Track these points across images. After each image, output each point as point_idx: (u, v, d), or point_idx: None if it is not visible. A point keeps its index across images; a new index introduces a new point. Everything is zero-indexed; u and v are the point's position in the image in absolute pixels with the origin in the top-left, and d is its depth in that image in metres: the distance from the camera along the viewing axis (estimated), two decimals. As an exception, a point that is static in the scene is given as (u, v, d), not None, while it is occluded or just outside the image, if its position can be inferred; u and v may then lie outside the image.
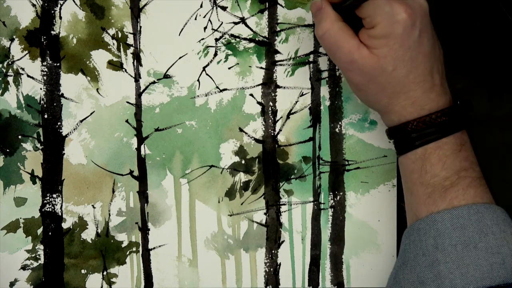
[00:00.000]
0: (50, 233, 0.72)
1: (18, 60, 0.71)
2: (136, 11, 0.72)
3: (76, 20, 0.72)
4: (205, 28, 0.73)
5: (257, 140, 0.73)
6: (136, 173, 0.73)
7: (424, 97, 0.58)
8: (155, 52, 0.72)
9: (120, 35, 0.72)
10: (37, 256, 0.72)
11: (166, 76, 0.73)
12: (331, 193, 0.74)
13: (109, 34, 0.72)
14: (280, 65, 0.73)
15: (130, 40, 0.72)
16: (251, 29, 0.73)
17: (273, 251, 0.74)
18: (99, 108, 0.72)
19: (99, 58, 0.72)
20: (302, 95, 0.74)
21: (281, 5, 0.73)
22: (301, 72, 0.74)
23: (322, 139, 0.74)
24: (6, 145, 0.71)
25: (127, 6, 0.72)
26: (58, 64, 0.72)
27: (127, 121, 0.72)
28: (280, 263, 0.74)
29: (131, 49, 0.72)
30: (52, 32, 0.71)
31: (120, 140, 0.72)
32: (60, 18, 0.71)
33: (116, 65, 0.72)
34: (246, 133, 0.73)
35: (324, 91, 0.74)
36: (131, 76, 0.72)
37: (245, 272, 0.74)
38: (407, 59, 0.57)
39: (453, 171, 0.57)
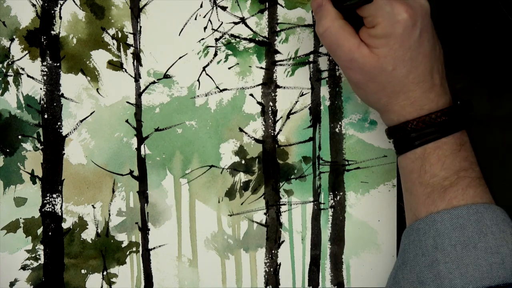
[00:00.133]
0: (50, 233, 0.72)
1: (18, 60, 0.71)
2: (136, 11, 0.72)
3: (76, 20, 0.72)
4: (205, 28, 0.73)
5: (257, 140, 0.73)
6: (136, 173, 0.73)
7: (424, 97, 0.58)
8: (155, 52, 0.72)
9: (120, 35, 0.72)
10: (37, 256, 0.72)
11: (166, 76, 0.73)
12: (331, 193, 0.74)
13: (109, 34, 0.72)
14: (280, 65, 0.73)
15: (130, 40, 0.72)
16: (251, 29, 0.73)
17: (273, 251, 0.74)
18: (99, 108, 0.72)
19: (99, 58, 0.72)
20: (302, 95, 0.74)
21: (281, 5, 0.73)
22: (301, 72, 0.74)
23: (322, 139, 0.74)
24: (6, 145, 0.71)
25: (127, 6, 0.72)
26: (58, 64, 0.72)
27: (127, 121, 0.72)
28: (280, 263, 0.74)
29: (131, 49, 0.72)
30: (52, 32, 0.71)
31: (120, 140, 0.72)
32: (60, 18, 0.71)
33: (116, 65, 0.72)
34: (246, 133, 0.73)
35: (324, 91, 0.74)
36: (131, 76, 0.72)
37: (245, 272, 0.74)
38: (407, 59, 0.57)
39: (453, 171, 0.57)
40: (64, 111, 0.72)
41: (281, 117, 0.74)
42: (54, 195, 0.72)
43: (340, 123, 0.74)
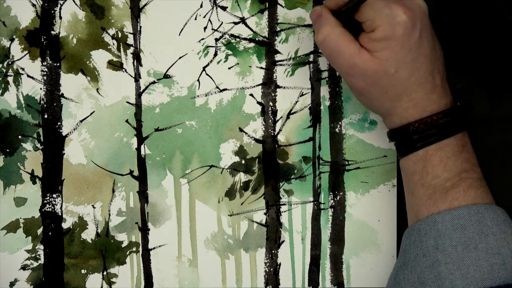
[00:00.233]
0: (50, 233, 0.72)
1: (18, 60, 0.71)
2: (136, 11, 0.72)
3: (76, 20, 0.72)
4: (205, 28, 0.73)
5: (257, 140, 0.73)
6: (136, 173, 0.73)
7: (426, 99, 0.58)
8: (155, 52, 0.72)
9: (120, 35, 0.72)
10: (37, 256, 0.72)
11: (166, 76, 0.73)
12: (331, 193, 0.74)
13: (109, 34, 0.72)
14: (280, 65, 0.73)
15: (130, 40, 0.72)
16: (251, 29, 0.73)
17: (273, 251, 0.74)
18: (99, 108, 0.72)
19: (99, 58, 0.72)
20: (302, 95, 0.74)
21: (281, 5, 0.73)
22: (301, 72, 0.74)
23: (322, 139, 0.74)
24: (6, 145, 0.71)
25: (127, 6, 0.72)
26: (58, 64, 0.72)
27: (127, 121, 0.72)
28: (280, 263, 0.74)
29: (131, 49, 0.72)
30: (52, 32, 0.71)
31: (120, 140, 0.72)
32: (60, 18, 0.71)
33: (116, 65, 0.72)
34: (246, 133, 0.73)
35: (324, 91, 0.74)
36: (131, 76, 0.72)
37: (245, 272, 0.74)
38: (408, 61, 0.57)
39: (454, 172, 0.57)
40: (64, 111, 0.72)
41: (281, 117, 0.74)
42: (54, 195, 0.72)
43: (340, 123, 0.74)
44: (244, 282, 0.74)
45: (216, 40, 0.73)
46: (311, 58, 0.74)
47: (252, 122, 0.73)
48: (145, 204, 0.73)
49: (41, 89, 0.72)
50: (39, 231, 0.72)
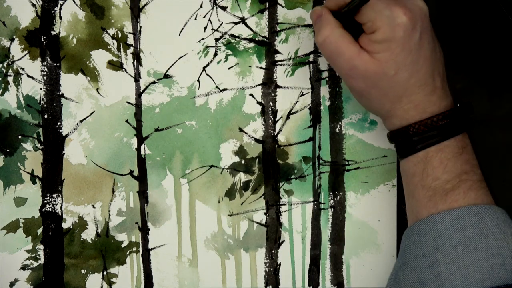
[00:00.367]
0: (50, 233, 0.72)
1: (18, 60, 0.71)
2: (136, 11, 0.72)
3: (76, 20, 0.72)
4: (205, 28, 0.73)
5: (257, 140, 0.73)
6: (136, 173, 0.73)
7: (426, 100, 0.58)
8: (155, 52, 0.72)
9: (120, 35, 0.72)
10: (37, 256, 0.72)
11: (166, 76, 0.73)
12: (331, 193, 0.74)
13: (109, 34, 0.72)
14: (280, 65, 0.73)
15: (130, 40, 0.72)
16: (251, 29, 0.73)
17: (273, 251, 0.74)
18: (99, 108, 0.72)
19: (99, 58, 0.72)
20: (302, 95, 0.74)
21: (281, 5, 0.73)
22: (301, 72, 0.74)
23: (322, 139, 0.74)
24: (6, 145, 0.71)
25: (127, 6, 0.72)
26: (58, 64, 0.72)
27: (127, 121, 0.72)
28: (280, 263, 0.74)
29: (131, 49, 0.72)
30: (52, 32, 0.71)
31: (120, 140, 0.72)
32: (60, 18, 0.71)
33: (116, 65, 0.72)
34: (246, 133, 0.73)
35: (324, 91, 0.74)
36: (131, 76, 0.72)
37: (245, 272, 0.74)
38: (408, 63, 0.57)
39: (455, 174, 0.57)
40: (64, 111, 0.72)
41: (281, 117, 0.74)
42: (54, 195, 0.72)
43: (340, 123, 0.74)
44: (244, 282, 0.74)
45: (216, 40, 0.73)
46: (311, 58, 0.74)
47: (252, 122, 0.73)
48: (145, 204, 0.73)
49: (41, 89, 0.72)
50: (39, 231, 0.72)
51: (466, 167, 0.57)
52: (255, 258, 0.74)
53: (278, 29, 0.73)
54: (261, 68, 0.73)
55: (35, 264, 0.72)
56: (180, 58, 0.73)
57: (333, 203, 0.74)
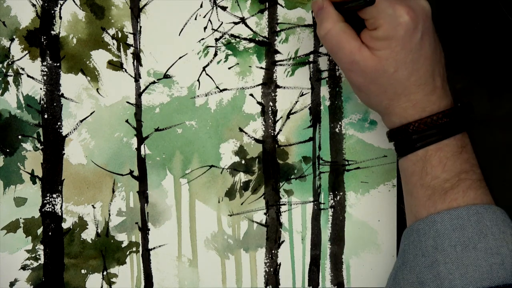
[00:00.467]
0: (50, 233, 0.72)
1: (18, 60, 0.71)
2: (136, 11, 0.72)
3: (76, 20, 0.72)
4: (205, 28, 0.73)
5: (257, 140, 0.73)
6: (136, 173, 0.73)
7: (425, 100, 0.58)
8: (155, 52, 0.72)
9: (120, 35, 0.72)
10: (37, 256, 0.72)
11: (166, 76, 0.73)
12: (331, 193, 0.74)
13: (109, 34, 0.72)
14: (280, 65, 0.73)
15: (130, 40, 0.72)
16: (251, 29, 0.73)
17: (273, 251, 0.74)
18: (99, 108, 0.72)
19: (99, 58, 0.72)
20: (302, 95, 0.74)
21: (281, 5, 0.73)
22: (301, 72, 0.74)
23: (322, 139, 0.74)
24: (6, 145, 0.71)
25: (127, 6, 0.72)
26: (58, 64, 0.72)
27: (127, 121, 0.72)
28: (280, 263, 0.74)
29: (131, 49, 0.72)
30: (52, 32, 0.71)
31: (120, 140, 0.72)
32: (60, 18, 0.71)
33: (116, 65, 0.72)
34: (246, 133, 0.73)
35: (324, 91, 0.74)
36: (131, 76, 0.72)
37: (245, 272, 0.74)
38: (408, 62, 0.57)
39: (454, 173, 0.57)
40: (64, 111, 0.72)
41: (281, 117, 0.74)
42: (54, 195, 0.72)
43: (340, 123, 0.74)
44: (244, 282, 0.74)
45: (216, 40, 0.73)
46: (311, 58, 0.74)
47: (252, 122, 0.73)
48: (145, 204, 0.73)
49: (41, 89, 0.72)
50: (39, 231, 0.72)
51: (466, 166, 0.57)
52: (255, 258, 0.74)
53: (278, 29, 0.73)
54: (261, 68, 0.73)
55: (35, 264, 0.72)
56: (180, 58, 0.73)
57: (333, 203, 0.74)
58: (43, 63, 0.71)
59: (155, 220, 0.73)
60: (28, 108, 0.71)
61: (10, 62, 0.71)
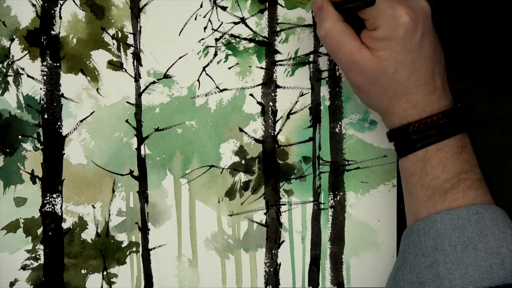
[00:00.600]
0: (50, 233, 0.72)
1: (18, 60, 0.71)
2: (136, 11, 0.72)
3: (76, 20, 0.72)
4: (205, 28, 0.73)
5: (257, 140, 0.73)
6: (136, 173, 0.73)
7: (425, 100, 0.58)
8: (155, 52, 0.72)
9: (120, 35, 0.72)
10: (37, 256, 0.72)
11: (166, 76, 0.73)
12: (331, 193, 0.74)
13: (109, 34, 0.72)
14: (280, 65, 0.73)
15: (130, 40, 0.72)
16: (251, 29, 0.73)
17: (273, 251, 0.74)
18: (99, 108, 0.72)
19: (99, 58, 0.72)
20: (302, 95, 0.74)
21: (281, 5, 0.73)
22: (301, 72, 0.74)
23: (322, 139, 0.74)
24: (6, 145, 0.71)
25: (127, 6, 0.72)
26: (58, 64, 0.72)
27: (127, 121, 0.72)
28: (280, 263, 0.74)
29: (131, 49, 0.72)
30: (52, 32, 0.71)
31: (120, 140, 0.72)
32: (60, 18, 0.71)
33: (116, 65, 0.72)
34: (246, 133, 0.73)
35: (324, 91, 0.74)
36: (131, 76, 0.72)
37: (245, 272, 0.74)
38: (408, 62, 0.57)
39: (454, 173, 0.57)
40: (64, 111, 0.72)
41: (281, 117, 0.74)
42: (54, 195, 0.72)
43: (340, 123, 0.74)
44: (244, 282, 0.74)
45: (216, 40, 0.73)
46: (311, 58, 0.74)
47: (252, 122, 0.73)
48: (145, 204, 0.73)
49: (41, 89, 0.72)
50: (39, 231, 0.72)
51: (466, 166, 0.57)
52: (255, 258, 0.74)
53: (278, 29, 0.73)
54: (261, 68, 0.73)
55: (35, 264, 0.72)
56: (180, 58, 0.73)
57: (333, 203, 0.74)
58: (43, 63, 0.71)
59: (155, 220, 0.73)
60: (28, 108, 0.71)
61: (10, 62, 0.71)
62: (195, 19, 0.72)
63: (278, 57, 0.73)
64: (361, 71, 0.58)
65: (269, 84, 0.73)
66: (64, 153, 0.72)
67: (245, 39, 0.73)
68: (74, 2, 0.71)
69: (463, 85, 0.74)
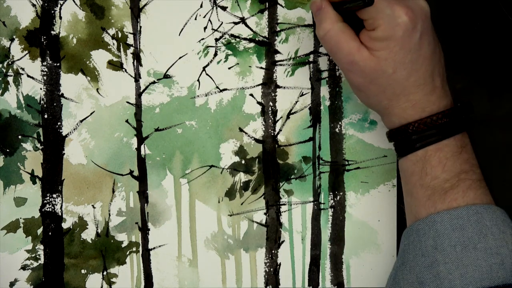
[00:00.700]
0: (50, 233, 0.72)
1: (18, 60, 0.71)
2: (136, 11, 0.72)
3: (76, 20, 0.72)
4: (205, 28, 0.73)
5: (257, 140, 0.73)
6: (136, 173, 0.73)
7: (425, 100, 0.58)
8: (155, 52, 0.72)
9: (120, 35, 0.72)
10: (37, 256, 0.72)
11: (166, 76, 0.73)
12: (331, 193, 0.74)
13: (109, 34, 0.72)
14: (280, 65, 0.73)
15: (130, 40, 0.72)
16: (251, 29, 0.73)
17: (273, 251, 0.74)
18: (99, 108, 0.72)
19: (99, 58, 0.72)
20: (302, 95, 0.74)
21: (281, 5, 0.73)
22: (301, 72, 0.74)
23: (322, 139, 0.74)
24: (6, 145, 0.71)
25: (127, 6, 0.72)
26: (58, 64, 0.72)
27: (127, 121, 0.72)
28: (280, 263, 0.74)
29: (131, 49, 0.72)
30: (52, 32, 0.71)
31: (120, 140, 0.72)
32: (60, 18, 0.71)
33: (116, 65, 0.72)
34: (246, 133, 0.73)
35: (324, 91, 0.74)
36: (131, 76, 0.72)
37: (245, 272, 0.74)
38: (407, 62, 0.57)
39: (454, 173, 0.57)
40: (64, 111, 0.72)
41: (281, 117, 0.74)
42: (54, 195, 0.72)
43: (340, 123, 0.74)
44: (244, 282, 0.74)
45: (216, 40, 0.73)
46: (311, 58, 0.74)
47: (252, 122, 0.73)
48: (145, 204, 0.73)
49: (41, 89, 0.72)
50: (39, 231, 0.72)
51: (465, 166, 0.57)
52: (255, 258, 0.74)
53: (278, 29, 0.73)
54: (261, 68, 0.73)
55: (35, 264, 0.72)
56: (180, 58, 0.73)
57: (333, 203, 0.74)
58: (43, 63, 0.71)
59: (155, 220, 0.73)
60: (28, 108, 0.72)
61: (10, 62, 0.71)
62: (195, 19, 0.72)
63: (278, 57, 0.73)
64: (360, 71, 0.58)
65: (269, 84, 0.73)
66: (64, 153, 0.72)
67: (245, 39, 0.73)
68: (74, 2, 0.71)
69: (463, 85, 0.74)
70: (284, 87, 0.73)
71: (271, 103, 0.73)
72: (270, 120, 0.73)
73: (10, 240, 0.72)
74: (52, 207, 0.72)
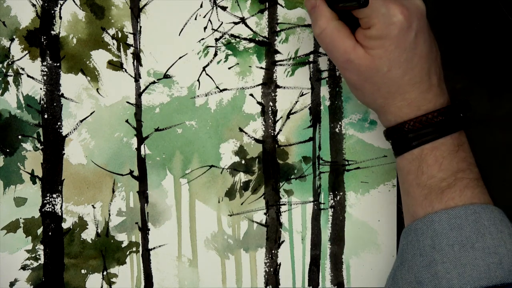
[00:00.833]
0: (50, 233, 0.72)
1: (18, 60, 0.71)
2: (136, 11, 0.72)
3: (76, 20, 0.72)
4: (205, 28, 0.73)
5: (257, 140, 0.73)
6: (136, 173, 0.73)
7: (421, 98, 0.58)
8: (155, 52, 0.72)
9: (120, 35, 0.72)
10: (37, 256, 0.72)
11: (166, 76, 0.73)
12: (331, 193, 0.74)
13: (109, 34, 0.72)
14: (280, 65, 0.73)
15: (130, 40, 0.72)
16: (251, 29, 0.73)
17: (273, 251, 0.74)
18: (99, 108, 0.72)
19: (99, 58, 0.72)
20: (302, 95, 0.74)
21: (281, 5, 0.73)
22: (301, 72, 0.74)
23: (322, 139, 0.74)
24: (6, 145, 0.72)
25: (127, 6, 0.72)
26: (58, 64, 0.72)
27: (127, 121, 0.73)
28: (280, 263, 0.74)
29: (131, 49, 0.72)
30: (52, 32, 0.72)
31: (120, 140, 0.73)
32: (60, 18, 0.72)
33: (116, 65, 0.72)
34: (246, 133, 0.73)
35: (324, 91, 0.74)
36: (131, 76, 0.72)
37: (245, 272, 0.74)
38: (402, 61, 0.57)
39: (450, 172, 0.57)
40: (64, 111, 0.72)
41: (281, 117, 0.74)
42: (54, 195, 0.72)
43: (340, 123, 0.74)
44: (244, 282, 0.74)
45: (216, 40, 0.73)
46: (311, 58, 0.74)
47: (252, 122, 0.73)
48: (145, 204, 0.73)
49: (41, 89, 0.72)
50: (39, 231, 0.72)
51: (462, 165, 0.57)
52: (255, 258, 0.74)
53: (278, 29, 0.73)
54: (261, 68, 0.73)
55: (35, 264, 0.72)
56: (180, 58, 0.73)
57: (333, 203, 0.74)
58: (43, 63, 0.72)
59: (155, 220, 0.73)
60: (28, 108, 0.72)
61: (10, 62, 0.71)
62: (195, 19, 0.72)
63: (278, 57, 0.73)
64: (355, 69, 0.58)
65: (269, 84, 0.73)
66: (64, 153, 0.72)
67: (245, 39, 0.73)
68: (74, 2, 0.72)
69: (463, 85, 0.74)
70: (284, 87, 0.73)
71: (271, 103, 0.73)
72: (270, 120, 0.73)
73: (10, 240, 0.72)
74: (52, 207, 0.72)
